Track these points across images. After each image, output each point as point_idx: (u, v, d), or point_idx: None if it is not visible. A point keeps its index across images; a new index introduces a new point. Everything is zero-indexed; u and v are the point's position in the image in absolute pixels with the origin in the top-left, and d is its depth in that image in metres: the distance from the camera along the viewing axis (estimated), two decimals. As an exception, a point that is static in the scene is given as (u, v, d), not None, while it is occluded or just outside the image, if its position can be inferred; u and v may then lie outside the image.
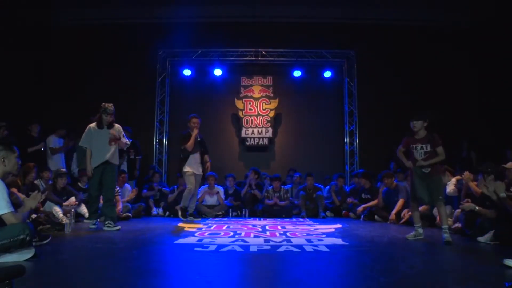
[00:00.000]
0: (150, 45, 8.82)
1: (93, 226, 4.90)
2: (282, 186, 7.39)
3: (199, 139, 6.13)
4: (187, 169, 5.97)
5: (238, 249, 3.32)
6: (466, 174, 4.77)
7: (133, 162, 7.81)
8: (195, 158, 6.06)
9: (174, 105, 9.08)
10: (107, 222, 4.80)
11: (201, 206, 7.08)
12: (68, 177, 6.28)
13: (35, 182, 5.83)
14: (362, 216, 6.51)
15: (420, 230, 4.15)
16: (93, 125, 5.02)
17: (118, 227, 4.81)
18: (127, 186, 7.07)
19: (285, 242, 3.72)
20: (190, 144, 5.96)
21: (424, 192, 4.10)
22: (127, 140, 5.26)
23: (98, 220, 5.08)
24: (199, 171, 6.14)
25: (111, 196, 4.98)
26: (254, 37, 8.92)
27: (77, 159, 7.30)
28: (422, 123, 4.10)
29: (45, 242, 3.38)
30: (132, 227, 5.23)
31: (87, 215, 5.74)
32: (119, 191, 6.52)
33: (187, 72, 8.94)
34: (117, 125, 5.12)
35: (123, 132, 5.20)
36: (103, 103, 5.03)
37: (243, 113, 8.93)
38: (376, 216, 6.34)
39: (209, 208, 7.09)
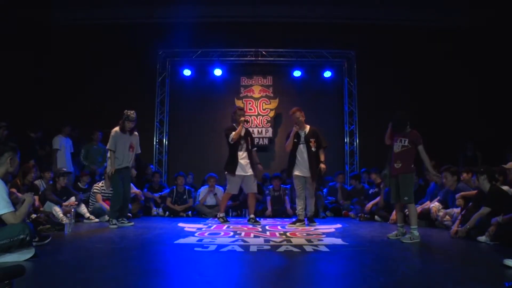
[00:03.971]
0: (150, 45, 8.82)
1: (114, 226, 5.08)
2: (282, 186, 7.40)
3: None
4: (294, 172, 5.52)
5: (238, 249, 3.32)
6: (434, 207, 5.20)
7: None
8: (299, 157, 5.49)
9: (174, 105, 9.08)
10: (120, 219, 5.31)
11: (202, 206, 7.10)
12: (68, 177, 6.29)
13: (36, 182, 5.83)
14: (366, 215, 6.51)
15: (402, 230, 4.18)
16: (117, 129, 5.32)
17: (131, 223, 5.38)
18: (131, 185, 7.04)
19: (285, 242, 3.72)
20: (287, 144, 5.58)
21: (393, 191, 4.21)
22: (139, 149, 5.70)
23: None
24: (306, 173, 5.46)
25: (129, 197, 5.63)
26: (254, 37, 8.92)
27: (83, 159, 7.34)
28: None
29: (45, 242, 3.39)
30: (132, 227, 5.23)
31: (87, 215, 5.78)
32: None
33: (187, 72, 8.94)
34: (136, 133, 5.55)
35: (139, 141, 5.61)
36: (126, 111, 5.33)
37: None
38: (376, 216, 6.35)
39: (209, 208, 7.10)
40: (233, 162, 5.59)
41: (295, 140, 5.52)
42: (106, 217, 5.82)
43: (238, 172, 5.58)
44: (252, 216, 5.67)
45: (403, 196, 4.03)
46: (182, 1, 8.54)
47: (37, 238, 3.28)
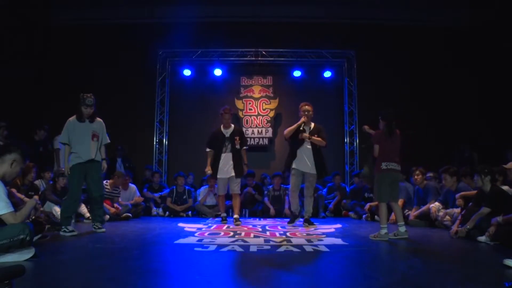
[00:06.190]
0: (150, 45, 8.83)
1: (68, 234, 4.13)
2: (282, 186, 7.39)
3: None
4: (293, 165, 5.32)
5: (238, 249, 3.31)
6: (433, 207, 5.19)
7: None
8: (303, 152, 5.31)
9: (174, 105, 9.09)
10: (95, 224, 4.56)
11: (202, 206, 7.11)
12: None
13: (36, 182, 5.83)
14: (364, 216, 6.53)
15: (402, 229, 4.16)
16: (72, 118, 4.50)
17: (103, 230, 4.51)
18: (133, 186, 7.04)
19: (285, 242, 3.72)
20: (288, 130, 5.38)
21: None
22: (107, 138, 4.73)
23: (73, 221, 4.78)
24: (306, 169, 5.30)
25: (100, 196, 4.61)
26: (254, 37, 8.92)
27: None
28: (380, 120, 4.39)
29: (43, 233, 3.38)
30: (132, 227, 5.23)
31: (87, 215, 5.74)
32: (120, 192, 6.54)
33: (187, 72, 8.94)
34: (99, 120, 4.64)
35: (104, 129, 4.69)
36: (82, 94, 4.50)
37: (243, 113, 8.93)
38: (376, 216, 6.35)
39: (209, 208, 7.10)
40: (215, 165, 5.58)
41: (302, 129, 5.34)
42: (107, 217, 5.82)
43: (220, 175, 5.56)
44: (235, 216, 5.55)
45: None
46: (182, 1, 8.55)
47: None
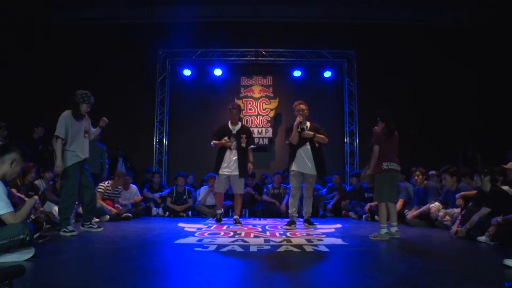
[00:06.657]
0: (150, 45, 8.84)
1: (68, 234, 4.06)
2: (282, 185, 7.39)
3: None
4: (292, 167, 5.21)
5: (238, 249, 3.31)
6: (433, 207, 5.17)
7: None
8: (302, 153, 5.18)
9: (174, 105, 9.09)
10: (90, 223, 4.51)
11: (202, 206, 7.11)
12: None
13: (36, 182, 5.83)
14: (364, 216, 6.53)
15: (393, 229, 4.16)
16: (68, 113, 4.29)
17: (102, 228, 4.54)
18: (134, 186, 7.04)
19: (285, 242, 3.72)
20: (292, 137, 5.16)
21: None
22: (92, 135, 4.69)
23: (73, 221, 4.72)
24: (306, 170, 5.18)
25: (93, 197, 4.52)
26: (254, 37, 8.93)
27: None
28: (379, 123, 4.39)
29: (41, 232, 3.38)
30: (132, 227, 5.22)
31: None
32: (121, 192, 6.54)
33: (187, 72, 8.95)
34: (87, 116, 4.56)
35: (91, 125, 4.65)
36: (81, 91, 4.37)
37: (243, 113, 8.93)
38: (376, 216, 6.35)
39: (209, 208, 7.09)
40: (218, 160, 5.45)
41: (299, 130, 5.18)
42: (107, 217, 5.82)
43: (222, 171, 5.43)
44: (236, 217, 5.53)
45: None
46: (182, 1, 8.56)
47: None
